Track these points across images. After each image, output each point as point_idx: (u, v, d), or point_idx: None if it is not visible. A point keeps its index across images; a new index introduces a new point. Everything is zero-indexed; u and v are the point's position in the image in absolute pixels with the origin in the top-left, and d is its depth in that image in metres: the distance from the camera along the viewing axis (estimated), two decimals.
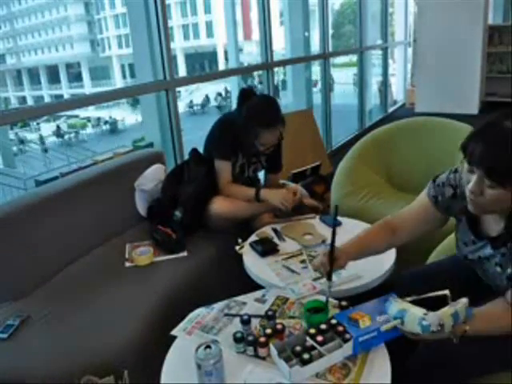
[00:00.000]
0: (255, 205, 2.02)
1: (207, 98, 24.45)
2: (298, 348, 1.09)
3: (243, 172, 2.14)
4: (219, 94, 23.35)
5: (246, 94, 2.02)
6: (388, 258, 1.60)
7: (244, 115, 1.96)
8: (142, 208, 2.21)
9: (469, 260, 1.28)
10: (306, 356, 1.06)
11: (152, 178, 2.22)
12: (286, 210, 1.93)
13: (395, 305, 1.12)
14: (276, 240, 1.80)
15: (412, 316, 1.07)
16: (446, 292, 1.11)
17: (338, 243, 1.72)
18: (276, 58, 3.91)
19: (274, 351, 1.10)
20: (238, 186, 2.05)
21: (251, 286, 1.53)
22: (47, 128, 23.11)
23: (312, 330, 1.14)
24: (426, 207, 1.33)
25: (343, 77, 13.54)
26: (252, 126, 1.93)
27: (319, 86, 5.06)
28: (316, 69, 5.24)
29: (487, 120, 1.06)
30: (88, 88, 33.11)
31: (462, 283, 1.32)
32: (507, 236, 1.13)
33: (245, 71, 4.47)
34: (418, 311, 1.07)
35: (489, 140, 1.02)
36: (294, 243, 1.76)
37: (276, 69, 4.02)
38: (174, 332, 1.27)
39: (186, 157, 2.69)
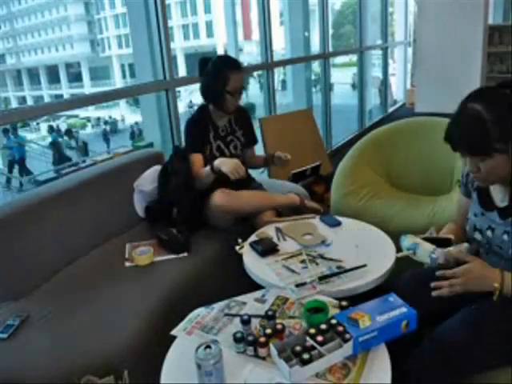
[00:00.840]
0: (255, 200, 2.05)
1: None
2: (298, 348, 1.09)
3: (223, 153, 2.21)
4: None
5: (204, 61, 2.18)
6: (388, 258, 1.60)
7: (210, 68, 2.13)
8: (140, 208, 2.21)
9: (478, 230, 1.32)
10: (305, 356, 1.06)
11: (152, 179, 2.22)
12: (236, 177, 1.96)
13: (409, 238, 1.34)
14: (276, 240, 1.80)
15: (423, 249, 1.28)
16: (451, 236, 1.34)
17: (338, 243, 1.74)
18: (276, 58, 3.91)
19: (274, 351, 1.10)
20: (200, 170, 2.12)
21: (251, 285, 1.53)
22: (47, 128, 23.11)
23: (312, 330, 1.14)
24: (463, 200, 1.45)
25: (342, 77, 13.54)
26: (220, 71, 2.10)
27: (319, 86, 5.06)
28: (316, 69, 5.23)
29: (457, 107, 1.19)
30: (88, 88, 33.10)
31: None
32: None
33: (245, 71, 4.46)
34: (429, 246, 1.27)
35: (459, 122, 1.18)
36: (294, 243, 1.76)
37: (276, 70, 4.02)
38: (173, 332, 1.27)
39: None
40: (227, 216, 2.02)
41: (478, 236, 1.33)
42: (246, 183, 2.23)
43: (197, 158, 2.15)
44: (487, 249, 1.32)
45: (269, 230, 1.90)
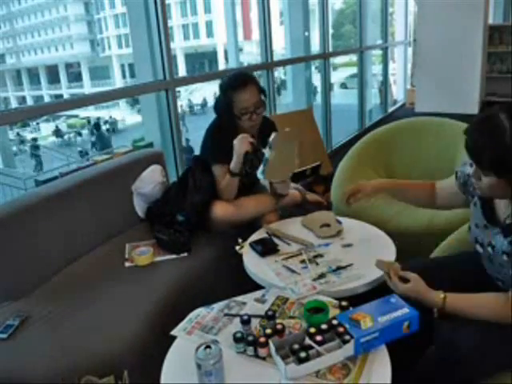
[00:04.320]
0: (256, 206, 2.02)
1: None
2: (296, 346, 1.10)
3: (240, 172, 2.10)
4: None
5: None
6: (388, 259, 1.60)
7: (219, 91, 1.98)
8: (140, 210, 2.21)
9: (479, 244, 1.29)
10: (302, 354, 1.07)
11: (149, 180, 2.21)
12: (252, 148, 1.88)
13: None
14: (276, 240, 1.80)
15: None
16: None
17: (338, 243, 1.74)
18: (276, 57, 3.91)
19: (272, 347, 1.11)
20: (226, 180, 1.98)
21: (251, 285, 1.53)
22: (47, 128, 23.11)
23: (312, 330, 1.14)
24: (452, 182, 1.44)
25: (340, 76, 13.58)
26: (226, 93, 1.93)
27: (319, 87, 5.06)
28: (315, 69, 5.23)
29: (485, 112, 1.14)
30: (88, 88, 33.08)
31: (463, 280, 1.33)
32: None
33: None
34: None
35: (480, 132, 1.12)
36: (294, 243, 1.76)
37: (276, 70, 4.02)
38: (173, 332, 1.27)
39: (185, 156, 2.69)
40: (229, 225, 2.00)
41: (479, 249, 1.30)
42: (251, 185, 2.18)
43: (221, 171, 1.98)
44: (490, 261, 1.28)
45: (277, 226, 1.91)
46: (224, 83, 1.98)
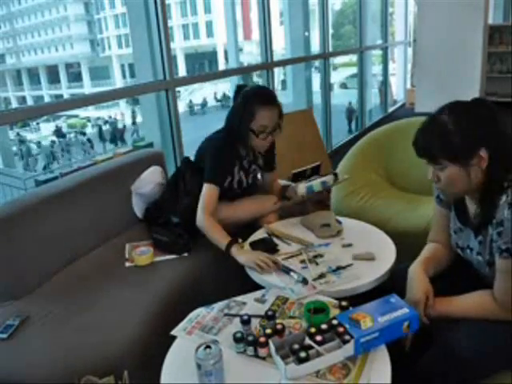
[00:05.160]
0: (255, 208, 2.01)
1: None
2: (296, 346, 1.10)
3: (241, 185, 2.06)
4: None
5: (240, 88, 1.95)
6: (388, 258, 1.60)
7: (240, 98, 1.88)
8: (139, 211, 2.20)
9: (460, 248, 1.31)
10: (302, 354, 1.07)
11: (149, 180, 2.20)
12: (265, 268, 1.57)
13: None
14: (276, 240, 1.80)
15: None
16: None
17: (338, 243, 1.74)
18: (276, 58, 3.91)
19: (272, 347, 1.11)
20: (215, 227, 1.81)
21: (251, 285, 1.53)
22: (47, 128, 23.13)
23: (312, 330, 1.14)
24: (439, 211, 1.41)
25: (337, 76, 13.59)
26: (249, 105, 1.82)
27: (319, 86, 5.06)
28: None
29: (427, 117, 1.23)
30: (88, 88, 33.07)
31: (463, 278, 1.33)
32: (481, 223, 1.19)
33: (245, 71, 4.46)
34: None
35: (425, 132, 1.21)
36: (294, 243, 1.76)
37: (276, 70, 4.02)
38: (173, 332, 1.27)
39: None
40: (227, 227, 1.99)
41: (460, 253, 1.32)
42: (252, 188, 2.14)
43: (212, 192, 1.85)
44: (471, 264, 1.30)
45: (277, 226, 1.90)
46: (250, 94, 1.87)
